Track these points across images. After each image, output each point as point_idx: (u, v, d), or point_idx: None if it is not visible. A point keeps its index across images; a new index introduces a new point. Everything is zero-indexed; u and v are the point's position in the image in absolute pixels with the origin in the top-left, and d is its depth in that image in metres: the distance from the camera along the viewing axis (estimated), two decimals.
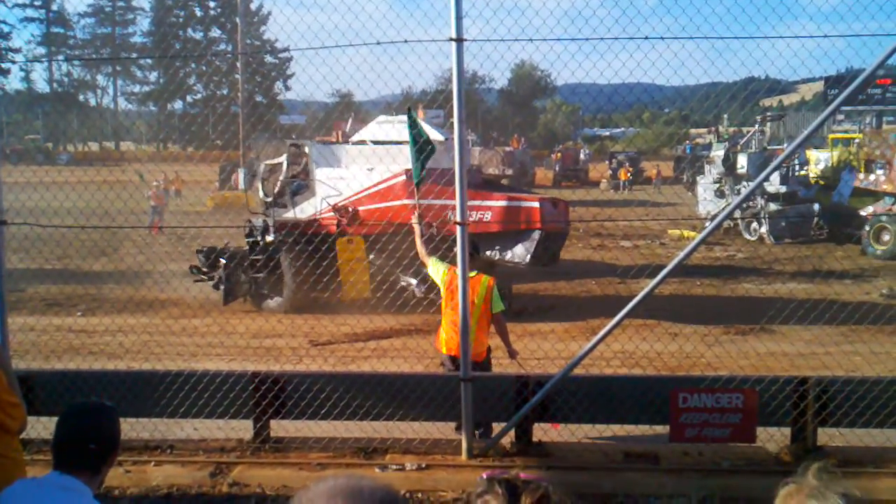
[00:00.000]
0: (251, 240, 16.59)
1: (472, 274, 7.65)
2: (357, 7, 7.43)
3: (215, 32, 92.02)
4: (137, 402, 7.14)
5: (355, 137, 17.60)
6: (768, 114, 41.49)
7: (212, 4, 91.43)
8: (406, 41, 6.85)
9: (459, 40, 6.48)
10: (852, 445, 7.14)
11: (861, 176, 24.96)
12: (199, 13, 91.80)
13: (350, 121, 24.25)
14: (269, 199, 17.34)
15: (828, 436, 7.14)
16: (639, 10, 6.90)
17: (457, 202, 6.73)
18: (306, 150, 17.44)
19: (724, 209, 6.97)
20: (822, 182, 32.03)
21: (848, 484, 2.01)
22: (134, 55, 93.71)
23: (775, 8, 7.02)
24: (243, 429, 7.40)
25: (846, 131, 47.16)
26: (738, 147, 29.75)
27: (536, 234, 14.78)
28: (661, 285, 6.92)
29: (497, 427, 7.19)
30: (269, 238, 16.23)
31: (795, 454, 6.78)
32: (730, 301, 16.58)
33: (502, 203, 15.13)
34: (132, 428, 7.17)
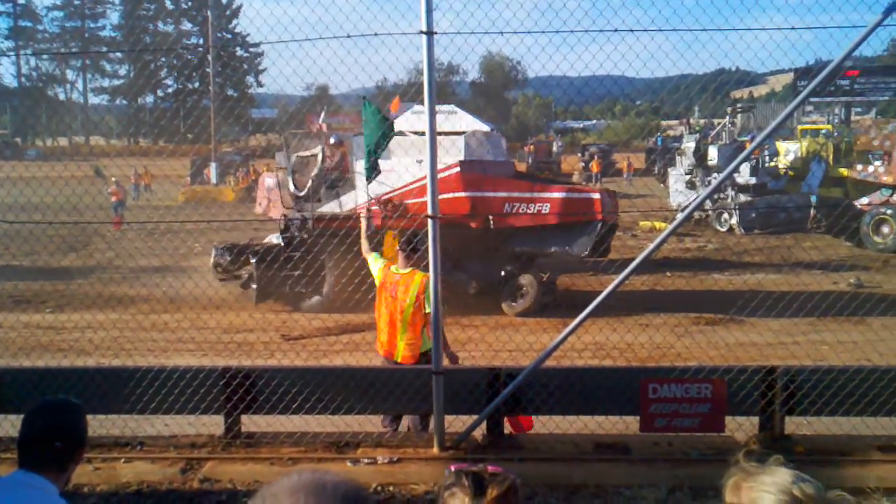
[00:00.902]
0: (286, 235, 16.05)
1: (407, 270, 7.63)
2: (328, 0, 7.39)
3: (186, 26, 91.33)
4: (107, 398, 7.07)
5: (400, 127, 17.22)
6: (738, 105, 41.74)
7: None
8: (376, 34, 6.83)
9: (430, 33, 6.47)
10: (819, 434, 7.24)
11: (859, 167, 24.80)
12: (169, 6, 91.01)
13: (323, 114, 24.17)
14: (302, 194, 16.70)
15: (795, 424, 7.22)
16: (608, 2, 6.93)
17: (428, 196, 6.71)
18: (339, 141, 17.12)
19: (694, 200, 7.05)
20: (791, 173, 32.33)
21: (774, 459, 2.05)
22: (103, 49, 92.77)
23: (744, 0, 7.08)
24: (214, 424, 7.35)
25: (814, 122, 47.59)
26: (709, 139, 29.94)
27: (597, 226, 14.68)
28: (632, 276, 6.96)
29: (468, 419, 7.19)
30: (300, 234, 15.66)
31: (764, 443, 6.85)
32: (700, 292, 16.73)
33: (562, 195, 14.94)
34: (101, 425, 7.11)
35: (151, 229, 18.78)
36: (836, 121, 50.25)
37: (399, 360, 7.51)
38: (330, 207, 16.16)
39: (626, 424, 7.17)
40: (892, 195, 23.06)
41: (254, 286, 15.59)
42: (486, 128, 16.93)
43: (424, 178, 14.71)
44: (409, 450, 6.96)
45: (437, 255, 6.65)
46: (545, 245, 15.14)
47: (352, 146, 16.52)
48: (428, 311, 7.37)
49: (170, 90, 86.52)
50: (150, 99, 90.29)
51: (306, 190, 16.62)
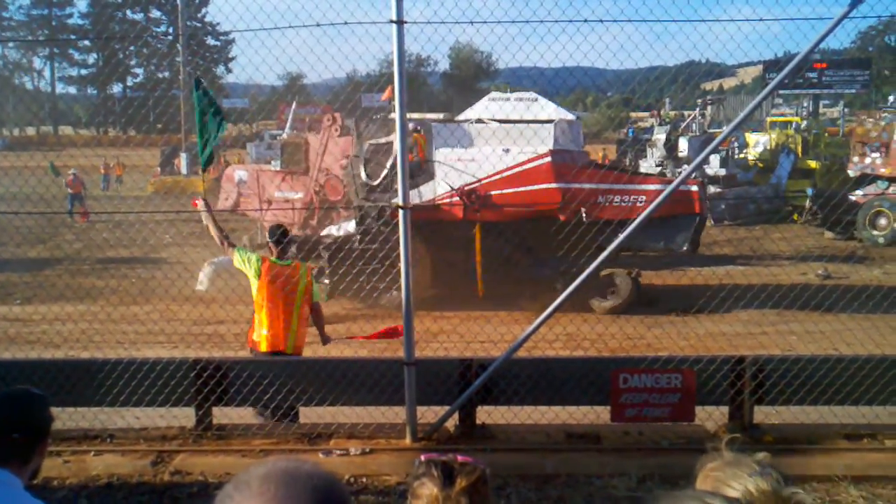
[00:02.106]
0: (363, 226, 15.21)
1: (289, 262, 7.57)
2: None
3: (155, 13, 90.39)
4: (76, 391, 7.01)
5: (462, 116, 16.61)
6: (708, 97, 42.04)
7: None
8: (346, 23, 6.81)
9: (400, 22, 6.45)
10: (787, 423, 7.32)
11: (856, 159, 24.62)
12: None
13: (294, 104, 23.99)
14: (376, 183, 16.20)
15: (764, 414, 7.30)
16: None
17: (399, 186, 6.70)
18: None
19: (663, 192, 7.13)
20: (760, 165, 32.61)
21: (760, 456, 2.06)
22: (71, 37, 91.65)
23: None
24: (185, 417, 7.31)
25: (782, 114, 47.98)
26: (680, 130, 30.08)
27: (695, 220, 14.21)
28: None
29: (441, 409, 7.20)
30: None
31: (733, 432, 6.91)
32: (669, 283, 16.83)
33: (659, 187, 13.92)
34: (70, 417, 7.06)
35: (119, 220, 18.59)
36: (805, 113, 50.75)
37: (290, 353, 7.45)
38: (420, 198, 15.31)
39: (597, 414, 7.21)
40: (888, 187, 22.94)
41: (325, 281, 14.93)
42: (570, 116, 16.23)
43: (510, 168, 14.86)
44: (382, 441, 6.96)
45: (408, 246, 6.66)
46: (642, 240, 14.05)
47: (431, 132, 16.02)
48: (316, 299, 7.61)
49: (139, 79, 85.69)
50: (118, 88, 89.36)
51: (380, 179, 16.12)
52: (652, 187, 14.13)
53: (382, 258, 13.86)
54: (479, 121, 15.77)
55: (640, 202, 13.70)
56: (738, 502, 1.45)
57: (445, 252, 13.51)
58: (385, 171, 16.04)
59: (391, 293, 14.12)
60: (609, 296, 14.65)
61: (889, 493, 6.25)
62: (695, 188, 14.21)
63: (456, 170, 15.10)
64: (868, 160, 23.61)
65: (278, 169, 19.68)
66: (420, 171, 15.67)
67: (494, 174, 14.83)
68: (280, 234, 7.62)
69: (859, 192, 22.82)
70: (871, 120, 28.61)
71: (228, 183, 20.94)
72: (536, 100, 16.44)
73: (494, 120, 15.27)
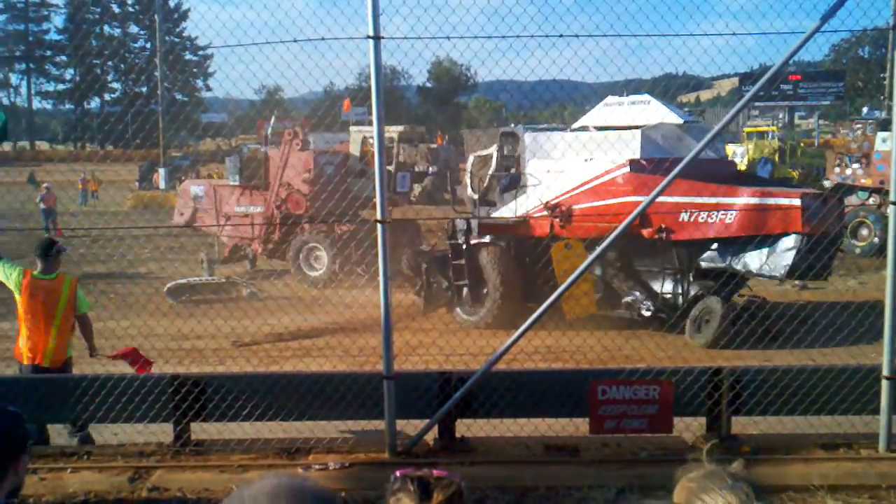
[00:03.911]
0: (453, 242, 14.79)
1: (53, 276, 7.56)
2: (273, 4, 7.37)
3: (133, 29, 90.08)
4: (53, 408, 6.99)
5: (578, 123, 15.50)
6: (686, 109, 42.32)
7: (129, 0, 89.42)
8: (323, 39, 6.83)
9: (377, 38, 6.49)
10: (765, 433, 7.37)
11: (837, 170, 24.62)
12: (116, 9, 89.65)
13: (273, 119, 23.96)
14: (476, 197, 15.81)
15: (741, 424, 7.35)
16: (553, 7, 6.99)
17: (377, 200, 6.72)
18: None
19: (641, 205, 7.21)
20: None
21: (735, 467, 2.09)
22: (48, 52, 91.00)
23: (685, 6, 7.21)
24: (163, 433, 7.28)
25: (756, 126, 48.47)
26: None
27: (798, 240, 11.87)
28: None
29: (420, 423, 7.20)
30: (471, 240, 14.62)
31: (710, 442, 6.95)
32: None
33: (750, 200, 12.27)
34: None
35: (96, 236, 18.46)
36: (780, 124, 51.28)
37: (48, 366, 7.47)
38: (505, 212, 14.80)
39: (576, 427, 7.24)
40: (868, 198, 22.92)
41: (422, 294, 14.95)
42: (678, 119, 14.63)
43: (591, 180, 13.64)
44: (361, 455, 6.95)
45: (386, 261, 6.67)
46: (732, 262, 12.57)
47: (523, 142, 15.32)
48: (83, 311, 7.71)
49: (117, 94, 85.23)
50: (96, 103, 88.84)
51: (480, 192, 15.83)
52: (744, 200, 12.32)
53: (469, 275, 14.16)
54: (583, 128, 14.85)
55: (729, 219, 12.20)
56: None
57: (536, 269, 12.95)
58: (485, 184, 15.80)
59: (479, 312, 14.26)
60: (703, 326, 12.83)
61: (864, 501, 6.31)
62: (796, 202, 12.00)
63: (546, 182, 14.29)
64: (849, 171, 23.71)
65: (236, 184, 19.75)
66: (517, 183, 15.09)
67: (578, 186, 13.85)
68: (45, 248, 7.63)
69: None
70: (847, 131, 28.76)
71: (184, 198, 20.89)
72: (649, 103, 14.92)
73: (598, 127, 14.43)
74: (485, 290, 14.10)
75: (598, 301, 12.43)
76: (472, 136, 17.62)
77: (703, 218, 12.34)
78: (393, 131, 20.74)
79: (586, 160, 13.55)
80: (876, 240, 21.67)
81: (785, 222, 11.85)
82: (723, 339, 12.12)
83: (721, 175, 13.43)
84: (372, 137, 19.43)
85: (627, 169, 13.12)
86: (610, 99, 14.94)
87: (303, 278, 18.95)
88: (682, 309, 13.00)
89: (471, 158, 16.94)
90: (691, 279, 13.12)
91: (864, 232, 22.50)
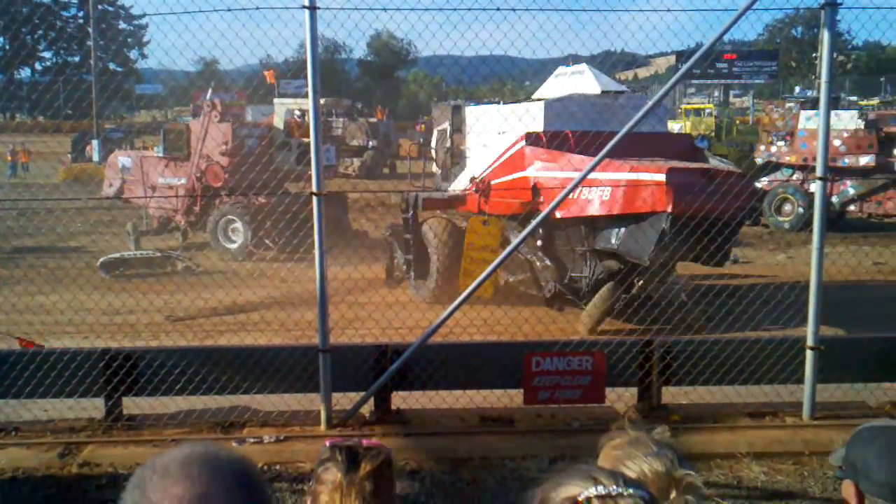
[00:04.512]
0: (404, 216, 14.47)
1: None
2: None
3: None
4: None
5: (535, 95, 14.88)
6: (625, 87, 42.69)
7: None
8: (258, 8, 6.75)
9: (312, 8, 6.42)
10: (694, 402, 7.54)
11: (762, 148, 25.20)
12: None
13: (210, 90, 23.60)
14: (440, 171, 15.71)
15: (671, 394, 7.52)
16: None
17: (313, 172, 6.67)
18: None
19: (572, 183, 7.28)
20: None
21: (659, 433, 2.12)
22: None
23: None
24: (95, 408, 7.16)
25: (692, 103, 49.22)
26: None
27: (658, 219, 10.67)
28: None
29: (356, 396, 7.21)
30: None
31: (642, 412, 7.10)
32: None
33: (621, 176, 10.88)
34: None
35: (24, 208, 18.01)
36: (716, 102, 52.15)
37: None
38: (456, 186, 14.49)
39: (510, 398, 7.32)
40: (792, 174, 23.57)
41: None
42: (597, 89, 13.45)
43: (501, 155, 13.06)
44: (296, 428, 6.94)
45: (322, 233, 6.64)
46: (606, 243, 11.62)
47: (464, 116, 14.94)
48: None
49: (48, 64, 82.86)
50: (26, 72, 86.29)
51: (441, 166, 15.69)
52: (617, 176, 10.93)
53: (415, 249, 13.83)
54: (536, 99, 14.17)
55: (606, 196, 11.14)
56: (622, 478, 1.49)
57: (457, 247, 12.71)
58: (443, 159, 15.66)
59: (425, 285, 13.91)
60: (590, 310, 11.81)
61: (789, 468, 6.51)
62: (659, 177, 10.66)
63: (477, 157, 14.12)
64: (774, 148, 24.34)
65: (161, 155, 19.63)
66: (459, 158, 14.92)
67: (493, 162, 13.40)
68: None
69: (765, 180, 23.39)
70: (778, 109, 29.38)
71: (112, 170, 20.71)
72: (583, 73, 14.15)
73: (512, 101, 14.14)
74: (430, 265, 13.93)
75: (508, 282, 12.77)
76: (438, 110, 17.35)
77: (585, 195, 11.17)
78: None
79: (499, 134, 13.13)
80: (800, 210, 22.38)
81: (651, 200, 10.71)
82: (601, 320, 11.54)
83: (670, 151, 12.45)
84: (297, 110, 19.28)
85: (523, 143, 12.54)
86: (560, 69, 14.57)
87: (222, 251, 18.85)
88: (584, 291, 12.15)
89: (435, 133, 16.72)
90: (598, 260, 12.15)
91: (788, 208, 23.10)
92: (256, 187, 14.07)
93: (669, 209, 10.38)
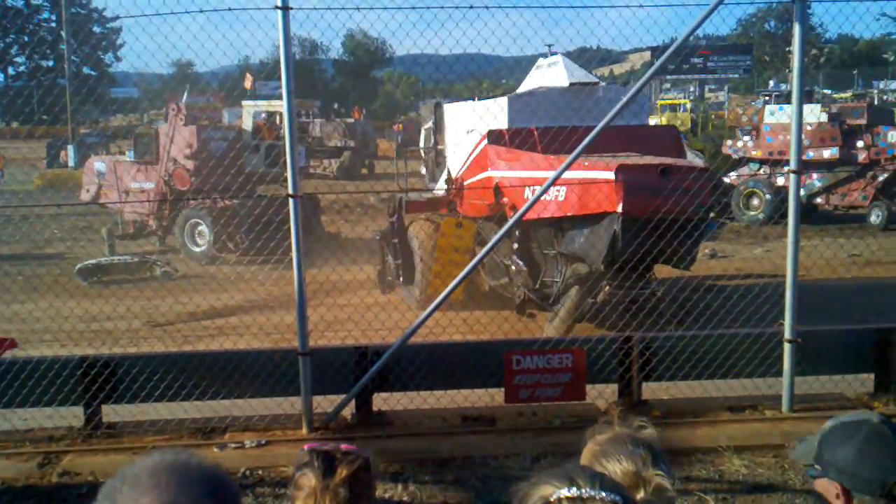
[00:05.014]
0: (391, 219, 14.17)
1: None
2: None
3: (37, 0, 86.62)
4: None
5: (521, 88, 14.05)
6: (601, 83, 42.85)
7: None
8: (230, 9, 6.74)
9: (285, 9, 6.40)
10: (674, 397, 7.59)
11: (729, 142, 25.46)
12: None
13: (185, 93, 23.49)
14: (425, 172, 15.34)
15: (652, 390, 7.55)
16: None
17: (288, 174, 6.64)
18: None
19: (548, 181, 7.31)
20: None
21: (645, 433, 2.14)
22: None
23: None
24: (74, 416, 7.10)
25: (671, 98, 49.50)
26: None
27: (613, 222, 9.86)
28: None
29: (337, 398, 7.19)
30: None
31: (622, 408, 7.13)
32: None
33: (573, 174, 8.93)
34: None
35: (10, 215, 17.88)
36: (691, 97, 52.47)
37: None
38: (439, 187, 14.04)
39: (491, 397, 7.32)
40: (759, 169, 23.79)
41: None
42: (565, 82, 12.53)
43: (470, 154, 12.46)
44: (278, 432, 6.92)
45: (299, 235, 6.62)
46: (572, 247, 10.84)
47: (441, 114, 14.54)
48: None
49: (21, 69, 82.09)
50: None
51: (428, 166, 15.35)
52: (571, 174, 8.81)
53: (402, 253, 13.52)
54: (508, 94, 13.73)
55: (562, 197, 10.36)
56: (600, 479, 1.51)
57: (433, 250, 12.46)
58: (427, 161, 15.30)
59: (411, 290, 13.55)
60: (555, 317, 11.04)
61: (769, 460, 6.56)
62: (607, 175, 9.85)
63: (453, 156, 13.78)
64: (740, 143, 24.65)
65: (132, 160, 19.74)
66: (441, 158, 14.55)
67: (464, 161, 12.85)
68: None
69: (733, 175, 23.54)
70: (743, 105, 29.72)
71: (89, 175, 20.79)
72: (556, 64, 13.23)
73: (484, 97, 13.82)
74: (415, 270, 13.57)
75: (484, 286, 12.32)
76: (426, 109, 17.04)
77: (545, 195, 9.46)
78: (278, 105, 20.64)
79: (468, 132, 12.65)
80: (765, 210, 22.70)
81: (602, 200, 9.85)
82: (570, 325, 10.66)
83: (651, 145, 11.62)
84: (263, 112, 19.24)
85: (486, 142, 11.89)
86: (540, 61, 13.93)
87: (189, 254, 18.82)
88: (554, 296, 11.27)
89: (422, 132, 16.54)
90: (567, 264, 11.31)
91: (756, 202, 23.36)
92: (220, 190, 13.99)
93: (620, 209, 9.68)
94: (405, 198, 13.99)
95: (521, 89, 13.91)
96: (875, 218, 21.82)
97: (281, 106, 20.01)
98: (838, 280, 12.67)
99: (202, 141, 19.26)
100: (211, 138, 19.81)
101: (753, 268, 15.09)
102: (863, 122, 22.56)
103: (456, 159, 13.58)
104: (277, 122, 20.65)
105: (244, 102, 22.00)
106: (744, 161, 24.24)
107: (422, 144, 16.65)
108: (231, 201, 16.80)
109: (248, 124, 20.70)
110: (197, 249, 18.90)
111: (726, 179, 23.09)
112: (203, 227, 18.77)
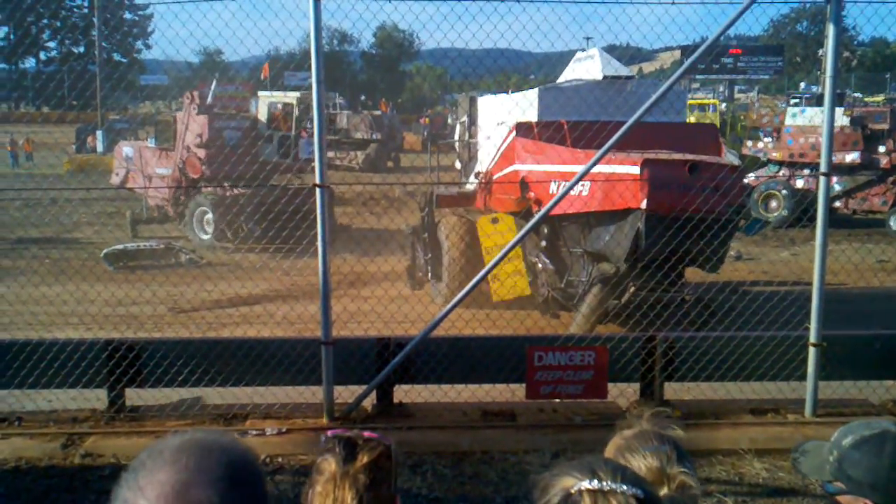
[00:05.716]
0: (423, 214, 13.95)
1: None
2: None
3: None
4: None
5: (561, 79, 13.71)
6: (635, 77, 42.62)
7: None
8: None
9: None
10: (696, 399, 7.54)
11: (749, 143, 25.34)
12: None
13: (214, 82, 23.67)
14: (460, 167, 15.10)
15: (674, 390, 7.51)
16: None
17: (316, 164, 6.66)
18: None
19: (575, 177, 7.26)
20: None
21: (667, 424, 2.13)
22: None
23: None
24: (98, 399, 7.17)
25: (698, 98, 49.09)
26: None
27: (636, 219, 9.56)
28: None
29: (358, 389, 7.21)
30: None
31: (643, 408, 7.09)
32: None
33: (600, 169, 8.12)
34: None
35: (27, 198, 18.04)
36: (721, 98, 52.05)
37: None
38: (471, 181, 13.86)
39: (512, 392, 7.32)
40: (779, 171, 23.64)
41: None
42: (599, 75, 12.20)
43: (499, 147, 12.33)
44: (298, 420, 6.95)
45: (325, 225, 6.63)
46: (597, 245, 10.62)
47: (476, 108, 14.43)
48: None
49: (53, 53, 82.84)
50: (31, 62, 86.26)
51: (463, 161, 15.13)
52: (596, 169, 7.85)
53: (431, 248, 13.29)
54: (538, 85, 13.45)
55: (586, 191, 10.02)
56: (623, 473, 1.51)
57: (469, 247, 12.22)
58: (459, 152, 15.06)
59: (438, 285, 13.27)
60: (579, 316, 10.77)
61: (790, 465, 6.48)
62: (633, 169, 9.55)
63: (485, 150, 13.51)
64: (761, 144, 24.47)
65: (155, 146, 20.10)
66: (474, 152, 14.36)
67: (494, 154, 12.66)
68: None
69: (752, 176, 23.38)
70: (771, 106, 29.56)
71: (118, 159, 21.10)
72: (592, 57, 12.89)
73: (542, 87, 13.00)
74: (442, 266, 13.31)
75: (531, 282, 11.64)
76: (462, 102, 16.77)
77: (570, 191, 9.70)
78: (291, 97, 20.85)
79: (498, 124, 12.49)
80: (785, 212, 22.41)
81: (626, 196, 9.59)
82: (590, 327, 10.27)
83: (688, 143, 11.20)
84: (279, 103, 19.39)
85: (514, 134, 11.72)
86: (578, 55, 13.63)
87: (198, 242, 18.99)
88: (579, 296, 11.03)
89: (458, 126, 16.39)
90: (594, 263, 11.11)
91: (774, 204, 23.13)
92: (231, 178, 14.05)
93: (644, 206, 9.41)
94: (436, 191, 13.84)
95: (563, 79, 13.61)
96: (895, 223, 21.63)
97: (293, 97, 20.34)
98: (866, 286, 12.55)
99: (214, 130, 19.44)
100: (224, 127, 20.01)
101: (780, 271, 14.95)
102: (885, 126, 22.32)
103: (487, 153, 13.44)
104: (295, 112, 20.76)
105: (260, 93, 22.25)
106: (763, 162, 24.11)
107: (456, 138, 16.55)
108: (242, 190, 16.95)
109: (263, 114, 20.88)
110: (205, 237, 19.08)
111: (745, 180, 22.90)
112: (210, 216, 18.94)
